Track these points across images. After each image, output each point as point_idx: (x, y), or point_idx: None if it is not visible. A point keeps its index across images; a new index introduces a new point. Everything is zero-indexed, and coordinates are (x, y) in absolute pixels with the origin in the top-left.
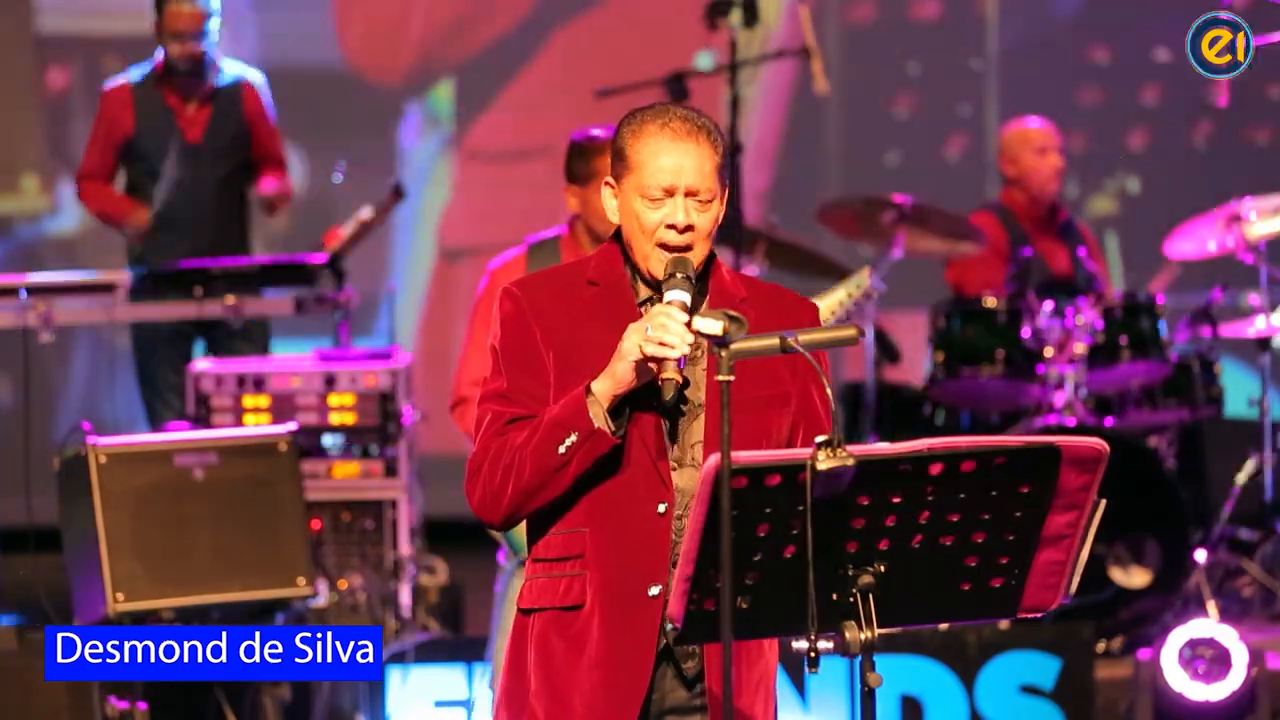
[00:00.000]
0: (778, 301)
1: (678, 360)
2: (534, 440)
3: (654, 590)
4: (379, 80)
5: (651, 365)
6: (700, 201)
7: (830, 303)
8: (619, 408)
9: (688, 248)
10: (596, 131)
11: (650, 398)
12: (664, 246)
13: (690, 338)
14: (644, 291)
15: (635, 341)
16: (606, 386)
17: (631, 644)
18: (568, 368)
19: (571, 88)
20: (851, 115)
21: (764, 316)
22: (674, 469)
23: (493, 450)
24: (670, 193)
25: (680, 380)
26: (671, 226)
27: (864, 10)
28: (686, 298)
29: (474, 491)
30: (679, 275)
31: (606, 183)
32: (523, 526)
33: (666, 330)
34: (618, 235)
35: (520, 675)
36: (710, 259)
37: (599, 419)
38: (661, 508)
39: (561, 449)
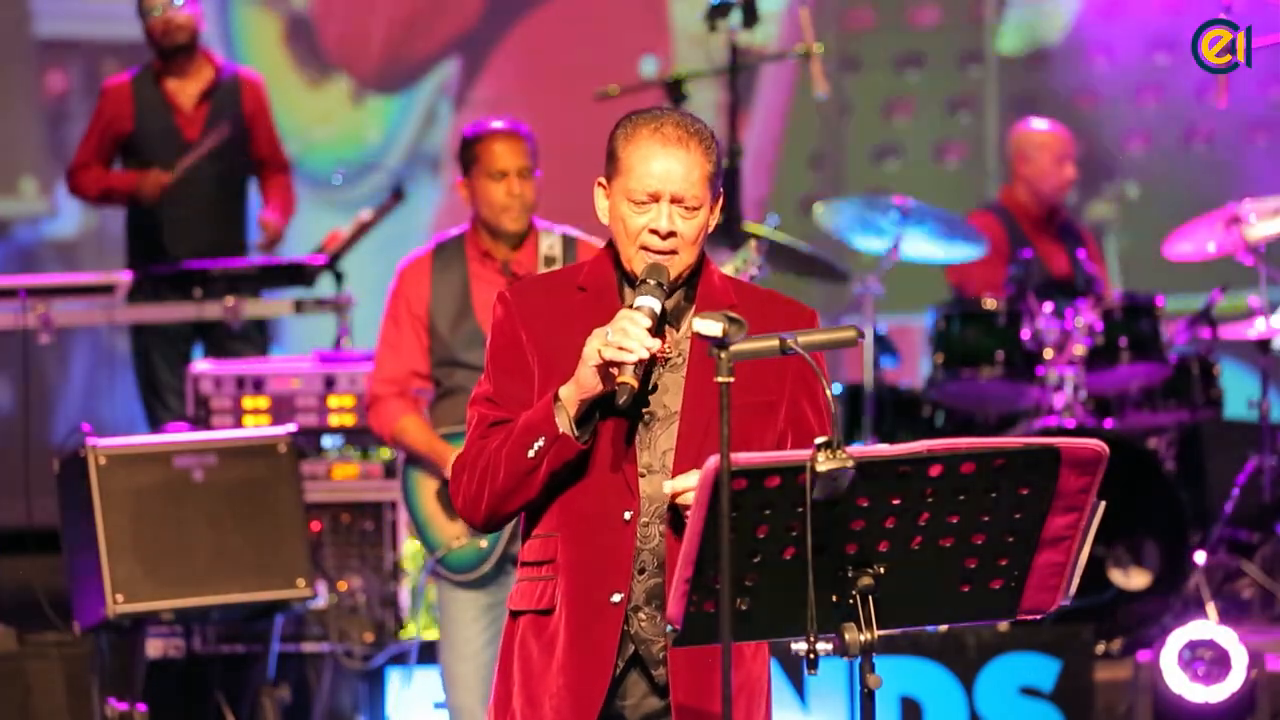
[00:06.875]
0: (771, 307)
1: (635, 365)
2: (508, 444)
3: (615, 598)
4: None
5: (613, 370)
6: (686, 209)
7: None
8: (589, 413)
9: (671, 253)
10: (494, 124)
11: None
12: (646, 250)
13: (652, 343)
14: (631, 296)
15: (595, 346)
16: (572, 392)
17: (593, 651)
18: (549, 372)
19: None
20: (849, 122)
21: (756, 323)
22: (643, 475)
23: (473, 452)
24: (655, 198)
25: (635, 386)
26: (654, 231)
27: (863, 17)
28: (656, 304)
29: (457, 492)
30: (651, 282)
31: (599, 183)
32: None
33: (626, 335)
34: (612, 242)
35: (507, 676)
36: (700, 264)
37: (563, 424)
38: (627, 515)
39: (531, 453)
